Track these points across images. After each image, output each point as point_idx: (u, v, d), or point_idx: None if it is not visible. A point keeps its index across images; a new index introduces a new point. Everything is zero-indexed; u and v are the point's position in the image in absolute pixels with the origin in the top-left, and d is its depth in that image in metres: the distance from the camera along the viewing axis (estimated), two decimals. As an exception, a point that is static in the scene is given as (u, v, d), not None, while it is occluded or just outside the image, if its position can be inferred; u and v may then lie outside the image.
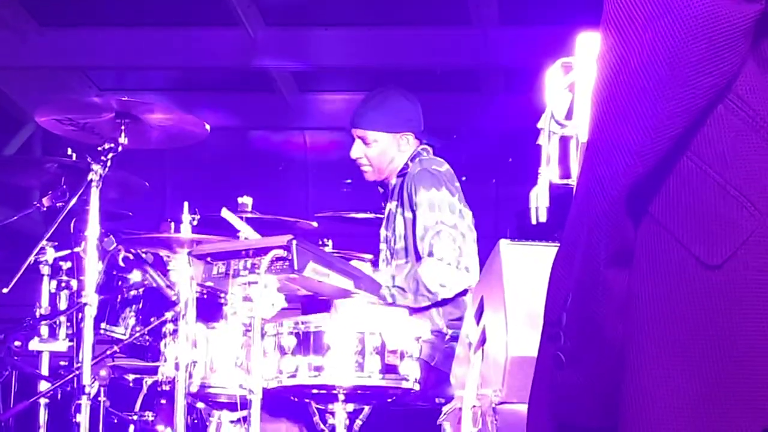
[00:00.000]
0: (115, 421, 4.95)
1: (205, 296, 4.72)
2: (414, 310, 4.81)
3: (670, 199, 1.78)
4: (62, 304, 5.07)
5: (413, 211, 4.94)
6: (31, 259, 4.75)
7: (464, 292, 4.89)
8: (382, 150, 5.16)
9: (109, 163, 4.57)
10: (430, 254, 4.83)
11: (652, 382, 1.76)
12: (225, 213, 4.76)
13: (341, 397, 4.15)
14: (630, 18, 1.75)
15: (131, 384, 4.99)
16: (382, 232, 5.21)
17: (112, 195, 5.05)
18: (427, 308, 4.88)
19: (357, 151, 5.18)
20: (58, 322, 4.93)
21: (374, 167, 5.19)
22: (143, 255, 4.75)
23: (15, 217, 5.04)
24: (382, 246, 5.19)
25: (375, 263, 5.24)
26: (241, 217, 5.10)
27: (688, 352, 1.76)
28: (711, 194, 1.76)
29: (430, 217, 4.87)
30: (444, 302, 4.89)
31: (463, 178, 5.23)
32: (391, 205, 5.16)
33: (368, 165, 5.20)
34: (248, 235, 4.60)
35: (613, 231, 1.78)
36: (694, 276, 1.76)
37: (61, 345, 4.92)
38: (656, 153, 1.75)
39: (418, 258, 4.91)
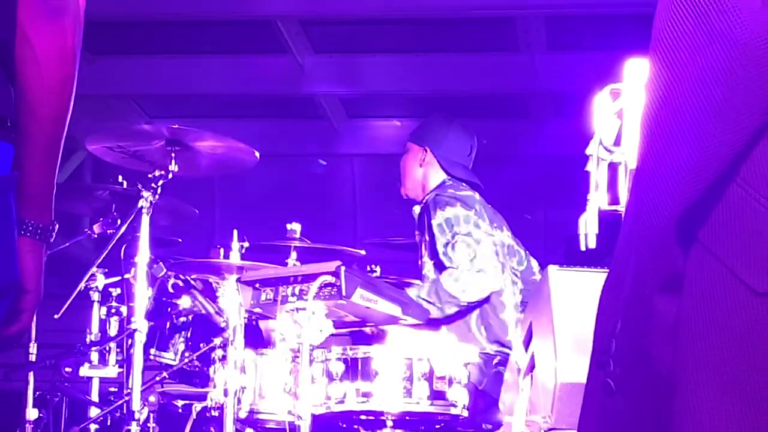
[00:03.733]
0: (165, 446, 4.97)
1: (254, 322, 4.73)
2: (459, 335, 4.80)
3: (719, 226, 1.77)
4: (112, 331, 5.09)
5: (432, 236, 4.98)
6: (82, 285, 4.78)
7: (487, 299, 4.89)
8: (408, 159, 5.28)
9: (159, 190, 4.60)
10: (449, 266, 4.88)
11: (702, 410, 1.75)
12: None
13: (389, 423, 4.15)
14: (679, 44, 1.74)
15: (180, 410, 5.00)
16: (419, 261, 5.28)
17: (162, 222, 5.08)
18: (468, 330, 4.90)
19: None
20: (108, 348, 4.95)
21: (402, 179, 5.31)
22: (192, 281, 4.77)
23: (66, 244, 5.08)
24: None
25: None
26: (290, 246, 5.12)
27: (738, 380, 1.74)
28: (759, 221, 1.75)
29: (448, 233, 4.92)
30: (484, 320, 4.91)
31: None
32: (418, 234, 5.24)
33: (401, 177, 5.34)
34: None
35: (662, 257, 1.77)
36: (744, 303, 1.75)
37: (111, 371, 4.95)
38: (705, 179, 1.74)
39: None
